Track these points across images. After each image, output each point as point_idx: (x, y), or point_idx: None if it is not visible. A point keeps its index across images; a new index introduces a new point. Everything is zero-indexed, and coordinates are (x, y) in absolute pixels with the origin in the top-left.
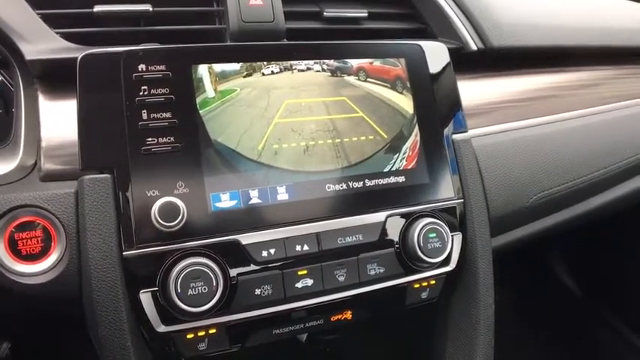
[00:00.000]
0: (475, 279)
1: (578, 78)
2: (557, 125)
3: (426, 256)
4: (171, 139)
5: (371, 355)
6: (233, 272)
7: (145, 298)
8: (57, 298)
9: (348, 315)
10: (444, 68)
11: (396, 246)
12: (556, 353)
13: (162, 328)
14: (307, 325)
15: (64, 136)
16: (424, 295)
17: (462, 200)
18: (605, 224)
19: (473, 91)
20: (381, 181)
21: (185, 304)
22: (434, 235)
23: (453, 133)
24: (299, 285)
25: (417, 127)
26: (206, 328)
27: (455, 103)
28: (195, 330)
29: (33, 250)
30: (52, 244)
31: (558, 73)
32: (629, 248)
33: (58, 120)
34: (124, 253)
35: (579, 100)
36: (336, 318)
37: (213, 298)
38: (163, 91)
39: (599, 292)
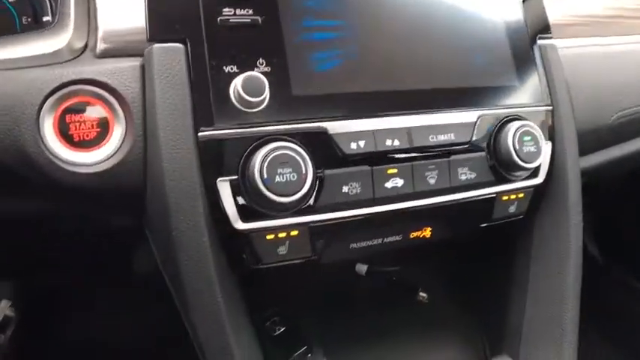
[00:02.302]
0: (564, 194)
1: None
2: None
3: (521, 160)
4: (250, 11)
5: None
6: (320, 164)
7: (223, 187)
8: (115, 192)
9: (427, 232)
10: None
11: (488, 151)
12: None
13: (240, 225)
14: (385, 240)
15: (124, 7)
16: (512, 209)
17: (551, 108)
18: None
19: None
20: (471, 80)
21: (272, 192)
22: (529, 138)
23: (539, 38)
24: (388, 185)
25: (504, 29)
26: (288, 228)
27: (540, 8)
28: (276, 230)
29: (87, 135)
30: (110, 129)
31: None
32: None
33: None
34: (199, 133)
35: None
36: (415, 235)
37: (302, 187)
38: None
39: (624, 260)
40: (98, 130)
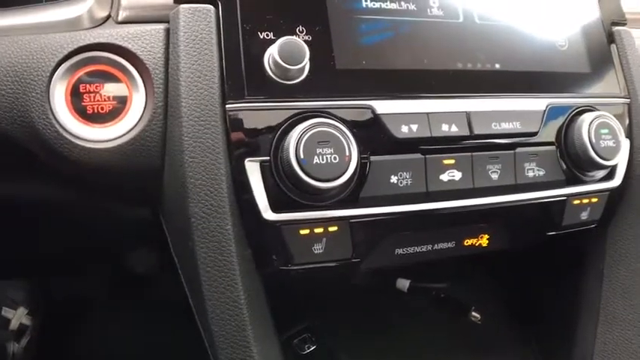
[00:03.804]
0: None
1: None
2: None
3: (598, 155)
4: None
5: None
6: (364, 148)
7: (253, 169)
8: (129, 172)
9: (484, 240)
10: None
11: (558, 145)
12: None
13: (271, 216)
14: (436, 247)
15: None
16: (584, 215)
17: (629, 100)
18: None
19: None
20: (541, 65)
21: (310, 175)
22: (606, 131)
23: (613, 25)
24: (444, 177)
25: (577, 13)
26: (326, 222)
27: None
28: (312, 224)
29: (102, 108)
30: (127, 103)
31: None
32: None
33: None
34: (227, 106)
35: None
36: (470, 242)
37: (345, 172)
38: None
39: None
40: (114, 103)
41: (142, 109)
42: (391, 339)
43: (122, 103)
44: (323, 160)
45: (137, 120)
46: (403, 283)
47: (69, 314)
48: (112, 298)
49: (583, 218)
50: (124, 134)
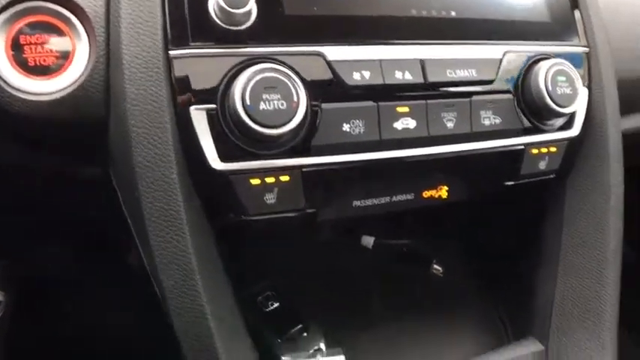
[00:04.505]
0: (604, 150)
1: None
2: None
3: (555, 103)
4: None
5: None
6: (315, 96)
7: (199, 117)
8: (74, 124)
9: (444, 192)
10: None
11: (516, 93)
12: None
13: (219, 165)
14: (394, 199)
15: None
16: (542, 165)
17: (588, 50)
18: None
19: None
20: (497, 11)
21: (256, 122)
22: (563, 78)
23: None
24: (398, 125)
25: None
26: (277, 171)
27: None
28: (262, 173)
29: (44, 60)
30: (70, 55)
31: None
32: None
33: None
34: (171, 52)
35: None
36: (429, 194)
37: (293, 118)
38: None
39: None
40: (57, 54)
41: (86, 59)
42: (355, 295)
43: (65, 54)
44: (270, 106)
45: (81, 71)
46: (368, 240)
47: (42, 290)
48: (85, 274)
49: (541, 168)
50: (68, 86)
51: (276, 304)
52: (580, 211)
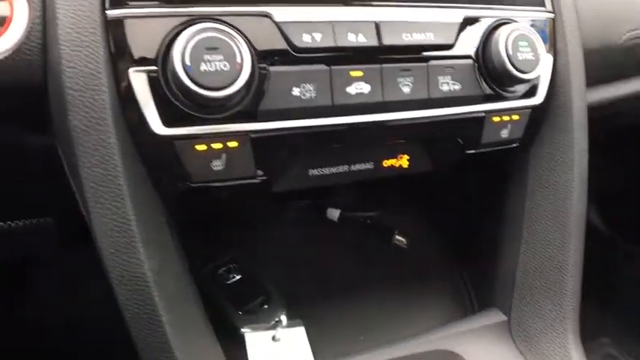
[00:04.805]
0: (568, 119)
1: None
2: None
3: (516, 68)
4: None
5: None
6: (263, 58)
7: (139, 80)
8: (11, 89)
9: (404, 161)
10: None
11: (477, 59)
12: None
13: (162, 130)
14: (353, 168)
15: None
16: (504, 133)
17: (553, 15)
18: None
19: None
20: None
21: (197, 83)
22: (525, 43)
23: None
24: (351, 90)
25: None
26: (224, 137)
27: None
28: (208, 138)
29: None
30: (8, 18)
31: None
32: None
33: None
34: (108, 11)
35: None
36: (389, 163)
37: (236, 80)
38: None
39: (627, 229)
40: None
41: (25, 23)
42: (320, 268)
43: (2, 19)
44: (211, 67)
45: (20, 35)
46: (333, 213)
47: (17, 270)
48: (59, 254)
49: (504, 137)
50: (5, 51)
51: (237, 277)
52: (544, 180)
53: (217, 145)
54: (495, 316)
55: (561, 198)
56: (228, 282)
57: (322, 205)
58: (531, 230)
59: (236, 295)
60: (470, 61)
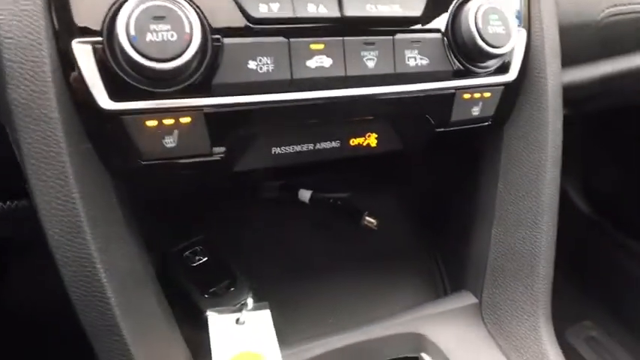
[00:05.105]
0: (542, 97)
1: None
2: None
3: (486, 43)
4: None
5: (386, 215)
6: (217, 29)
7: (83, 51)
8: None
9: (372, 140)
10: None
11: (445, 33)
12: (569, 274)
13: (109, 105)
14: (319, 146)
15: None
16: (475, 110)
17: None
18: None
19: None
20: None
21: (142, 54)
22: (495, 17)
23: None
24: (312, 64)
25: None
26: (176, 112)
27: None
28: (160, 113)
29: None
30: None
31: None
32: None
33: None
34: None
35: None
36: (356, 142)
37: (184, 51)
38: None
39: (612, 213)
40: None
41: None
42: (290, 250)
43: None
44: (158, 37)
45: None
46: (304, 195)
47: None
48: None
49: (475, 114)
50: None
51: (203, 259)
52: (516, 160)
53: (169, 121)
54: (466, 299)
55: (534, 179)
56: (194, 264)
57: (294, 187)
58: (503, 211)
59: (201, 277)
60: (438, 35)
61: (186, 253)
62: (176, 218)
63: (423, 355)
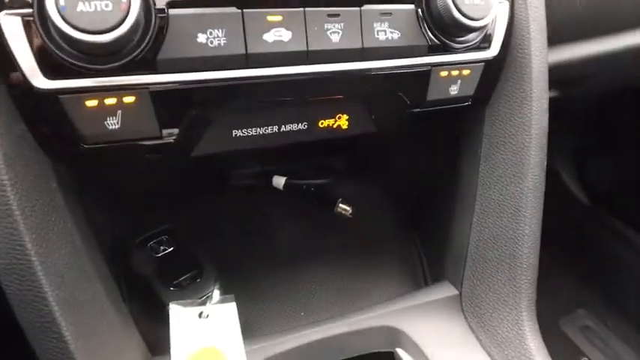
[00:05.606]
0: (526, 74)
1: None
2: None
3: (463, 15)
4: None
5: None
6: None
7: (11, 24)
8: None
9: (343, 122)
10: None
11: (419, 4)
12: (565, 263)
13: (43, 83)
14: (284, 129)
15: None
16: (454, 89)
17: None
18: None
19: None
20: None
21: (73, 25)
22: None
23: None
24: (269, 37)
25: None
26: (118, 91)
27: None
28: (100, 93)
29: None
30: None
31: None
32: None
33: None
34: None
35: None
36: (326, 124)
37: (121, 23)
38: None
39: (607, 199)
40: None
41: None
42: (262, 240)
43: None
44: (90, 7)
45: None
46: (279, 181)
47: None
48: None
49: (453, 93)
50: None
51: (169, 249)
52: (499, 143)
53: (111, 101)
54: (446, 290)
55: (517, 162)
56: (159, 255)
57: (268, 173)
58: (485, 197)
59: (166, 268)
60: (411, 6)
61: (151, 243)
62: (140, 206)
63: (399, 350)
